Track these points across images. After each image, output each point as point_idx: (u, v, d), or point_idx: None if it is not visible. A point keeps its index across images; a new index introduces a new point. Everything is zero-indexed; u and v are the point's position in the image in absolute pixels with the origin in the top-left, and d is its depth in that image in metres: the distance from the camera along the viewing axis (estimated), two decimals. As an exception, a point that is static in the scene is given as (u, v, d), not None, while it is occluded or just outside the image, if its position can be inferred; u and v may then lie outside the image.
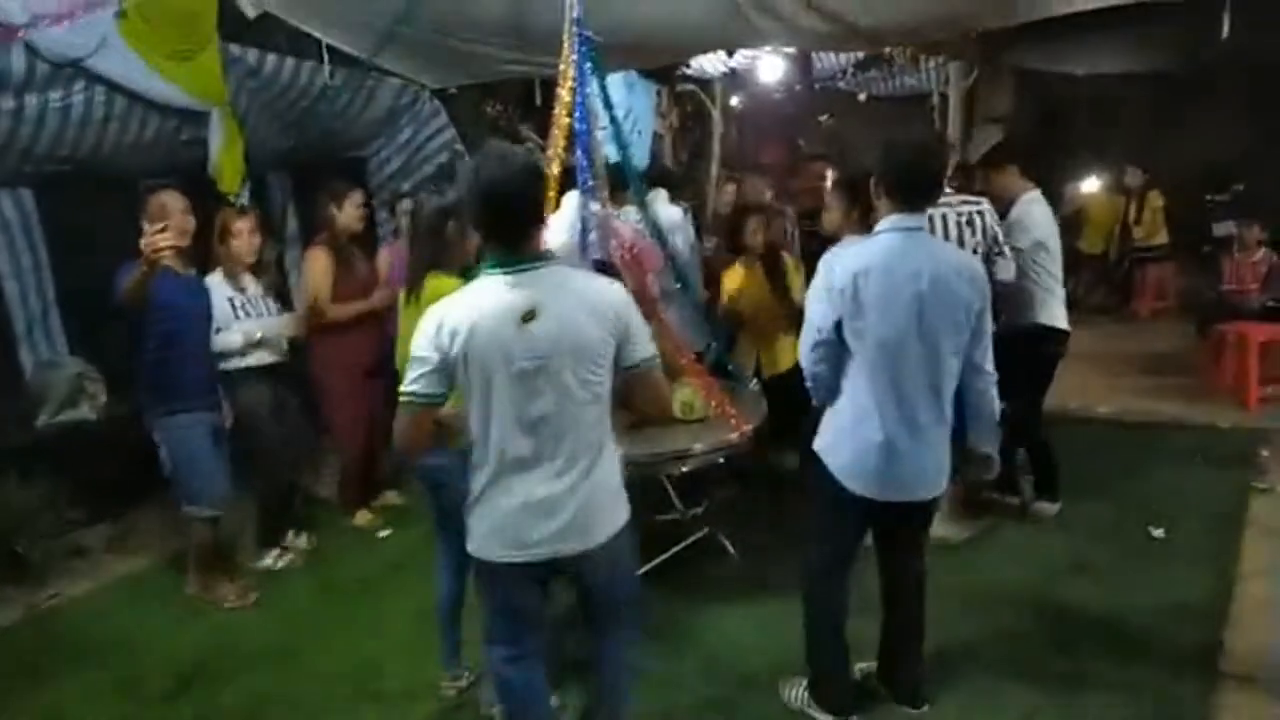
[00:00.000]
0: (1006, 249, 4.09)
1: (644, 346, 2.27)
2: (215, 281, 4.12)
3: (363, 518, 4.88)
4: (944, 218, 4.03)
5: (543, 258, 2.23)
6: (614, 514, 2.32)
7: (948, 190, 4.10)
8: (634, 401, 2.37)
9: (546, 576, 2.33)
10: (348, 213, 4.62)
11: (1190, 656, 3.23)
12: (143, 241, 3.25)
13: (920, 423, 2.66)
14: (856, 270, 2.59)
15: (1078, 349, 5.33)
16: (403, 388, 2.20)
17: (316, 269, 4.52)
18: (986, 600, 3.68)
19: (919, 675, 3.03)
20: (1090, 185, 10.07)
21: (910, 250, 2.61)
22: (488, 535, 2.27)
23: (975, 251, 3.99)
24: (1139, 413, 6.02)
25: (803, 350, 2.76)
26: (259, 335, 4.15)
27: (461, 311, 2.16)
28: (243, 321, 4.13)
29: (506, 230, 2.18)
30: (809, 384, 2.82)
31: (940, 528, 4.00)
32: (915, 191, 2.65)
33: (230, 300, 4.12)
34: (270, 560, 4.39)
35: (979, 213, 4.06)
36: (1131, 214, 9.39)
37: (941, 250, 2.79)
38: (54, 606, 4.12)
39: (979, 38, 5.57)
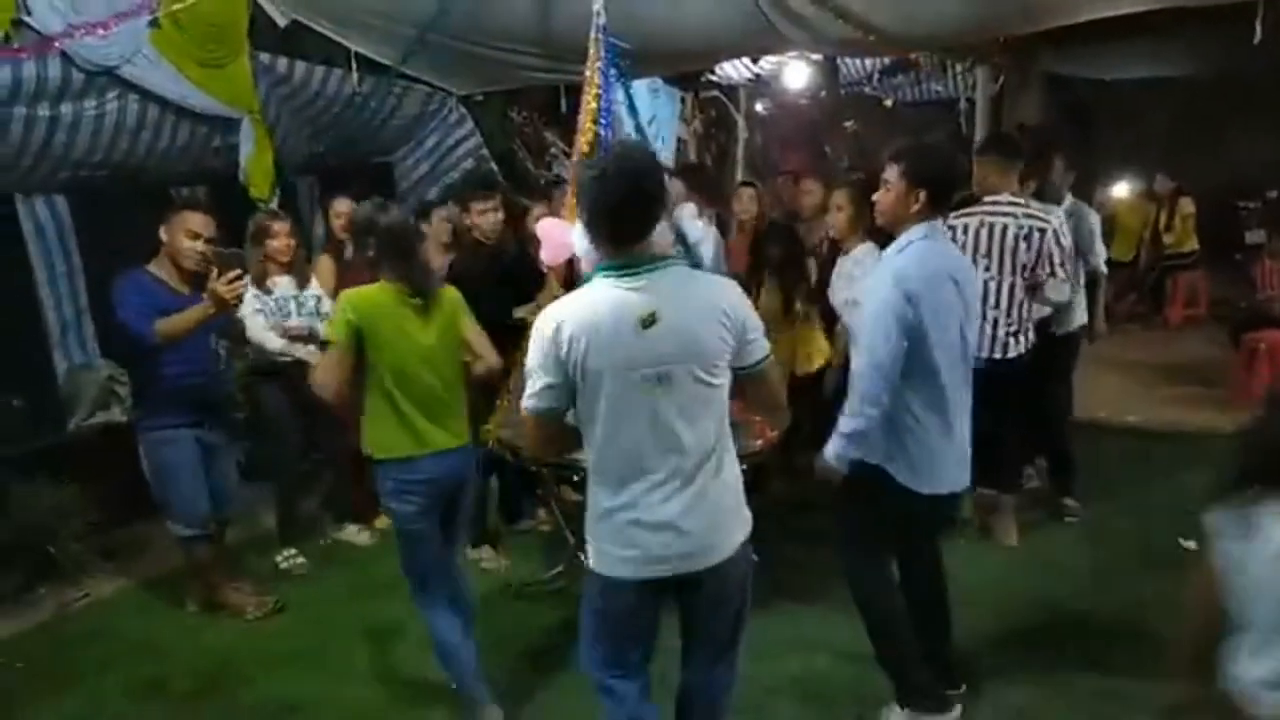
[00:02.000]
0: (1061, 270, 3.92)
1: (760, 346, 2.17)
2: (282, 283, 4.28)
3: (350, 533, 4.77)
4: (1004, 228, 3.89)
5: (658, 259, 2.11)
6: (733, 530, 2.22)
7: (1010, 199, 3.96)
8: (747, 400, 2.36)
9: (664, 594, 2.22)
10: (339, 220, 4.74)
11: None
12: (219, 287, 3.25)
13: (961, 416, 2.78)
14: (925, 276, 2.65)
15: (1107, 357, 5.30)
16: (523, 403, 2.14)
17: (321, 276, 4.58)
18: (1015, 613, 3.65)
19: (950, 658, 3.08)
20: (1119, 191, 9.97)
21: (945, 253, 2.76)
22: (612, 552, 2.16)
23: (1024, 267, 3.88)
24: (1170, 422, 5.93)
25: (875, 374, 2.64)
26: (280, 348, 4.25)
27: (579, 317, 2.05)
28: (271, 320, 4.23)
29: (624, 230, 2.07)
30: (868, 413, 2.67)
31: (1009, 535, 4.30)
32: (950, 199, 2.78)
33: (257, 298, 4.19)
34: (280, 559, 4.44)
35: (1040, 230, 3.86)
36: (1161, 221, 9.29)
37: (957, 251, 2.93)
38: (83, 607, 4.17)
39: (1007, 43, 5.53)
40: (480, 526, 4.30)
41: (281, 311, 4.29)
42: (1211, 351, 7.54)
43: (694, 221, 4.62)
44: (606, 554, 2.17)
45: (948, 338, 2.67)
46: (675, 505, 2.10)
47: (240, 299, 3.39)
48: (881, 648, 2.93)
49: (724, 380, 2.13)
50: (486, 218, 4.26)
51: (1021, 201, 3.98)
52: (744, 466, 3.57)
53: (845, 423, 2.73)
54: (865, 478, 2.78)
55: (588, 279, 2.15)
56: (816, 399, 4.27)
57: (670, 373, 2.04)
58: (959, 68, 8.02)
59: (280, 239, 4.29)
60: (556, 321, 2.05)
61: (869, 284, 2.84)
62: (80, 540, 4.35)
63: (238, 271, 3.33)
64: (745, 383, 2.20)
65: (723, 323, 2.07)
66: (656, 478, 2.09)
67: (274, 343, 4.21)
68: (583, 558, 3.87)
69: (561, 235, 3.75)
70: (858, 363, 2.78)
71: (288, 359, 4.26)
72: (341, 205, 4.77)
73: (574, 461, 3.45)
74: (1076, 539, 4.30)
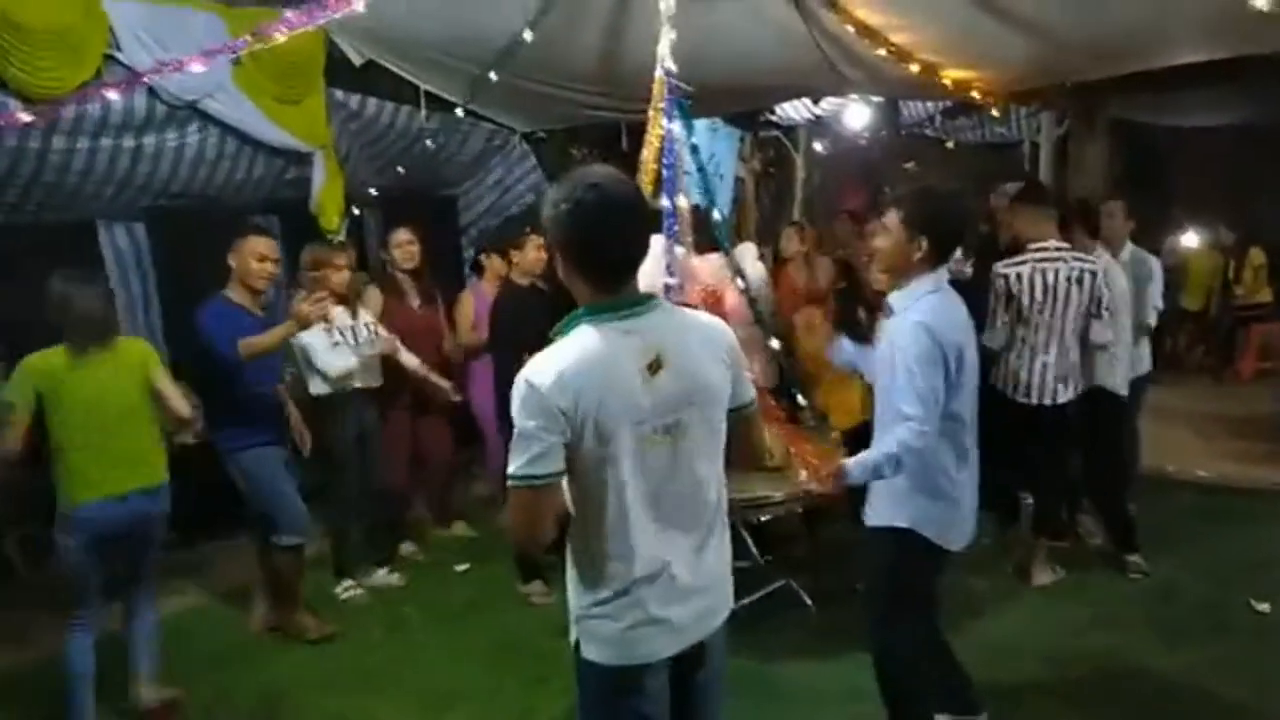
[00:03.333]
0: (1106, 313, 4.04)
1: (749, 385, 2.02)
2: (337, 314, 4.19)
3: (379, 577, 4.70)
4: (1055, 273, 3.95)
5: (645, 297, 1.89)
6: (730, 583, 2.05)
7: (1056, 244, 4.03)
8: (736, 447, 2.02)
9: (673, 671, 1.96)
10: (398, 250, 4.81)
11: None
12: (304, 307, 3.43)
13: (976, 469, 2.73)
14: (958, 328, 2.59)
15: (1176, 409, 5.15)
16: (511, 470, 1.77)
17: (370, 306, 4.67)
18: (1078, 671, 3.54)
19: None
20: (1189, 240, 9.74)
21: (957, 307, 2.66)
22: (624, 634, 1.86)
23: (1077, 311, 3.98)
24: (1242, 478, 5.72)
25: (916, 426, 2.50)
26: (350, 367, 4.26)
27: (580, 368, 1.76)
28: (334, 351, 4.24)
29: (616, 266, 1.84)
30: (904, 459, 2.54)
31: (1039, 575, 4.27)
32: (954, 248, 2.71)
33: (325, 330, 4.18)
34: (340, 590, 4.45)
35: (1091, 273, 3.98)
36: (1230, 271, 9.07)
37: (962, 305, 2.73)
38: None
39: (1075, 88, 5.47)
40: (531, 561, 4.31)
41: (346, 339, 4.32)
42: (1285, 405, 7.28)
43: (756, 263, 4.61)
44: (625, 639, 1.86)
45: (968, 392, 2.63)
46: (695, 562, 1.90)
47: (324, 318, 3.52)
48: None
49: (724, 425, 1.96)
50: (528, 255, 4.46)
51: (1066, 246, 4.05)
52: (800, 509, 3.60)
53: (883, 458, 2.57)
54: (900, 544, 2.69)
55: (569, 326, 1.85)
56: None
57: (681, 420, 1.84)
58: (1023, 110, 7.93)
59: (342, 271, 4.35)
60: (556, 372, 1.75)
61: (884, 347, 2.70)
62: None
63: (324, 293, 3.44)
64: (739, 424, 1.99)
65: (723, 360, 1.92)
66: (677, 536, 1.88)
67: (348, 362, 4.24)
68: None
69: None
70: (904, 409, 2.55)
71: (355, 386, 4.32)
72: (402, 235, 4.84)
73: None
74: (1143, 597, 4.16)
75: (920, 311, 2.57)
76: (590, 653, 1.90)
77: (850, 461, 2.66)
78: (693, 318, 1.99)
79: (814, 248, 5.53)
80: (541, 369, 1.77)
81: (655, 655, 1.89)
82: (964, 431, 2.64)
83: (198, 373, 3.89)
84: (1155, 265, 4.72)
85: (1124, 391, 4.37)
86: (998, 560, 4.39)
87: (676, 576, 1.87)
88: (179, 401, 3.34)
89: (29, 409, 3.05)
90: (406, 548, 4.89)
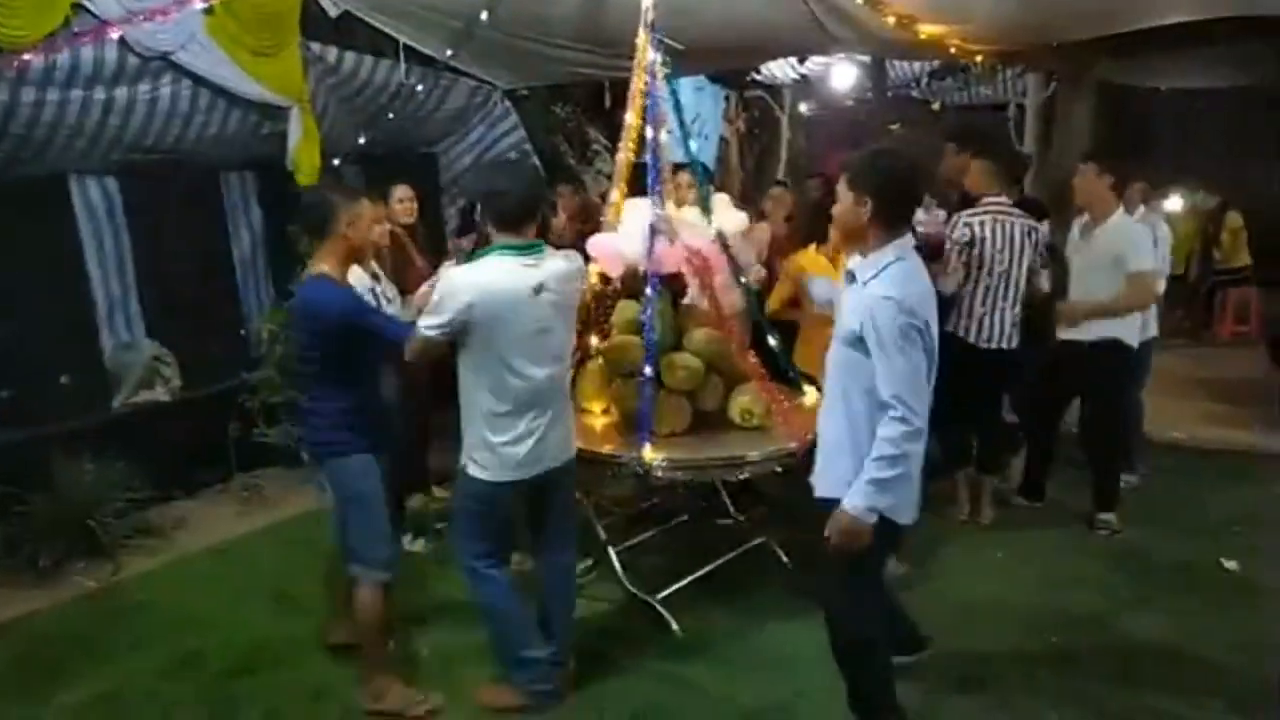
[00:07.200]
0: (1052, 264, 4.39)
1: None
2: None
3: (419, 500, 4.80)
4: (1012, 225, 4.17)
5: (541, 244, 2.86)
6: (573, 442, 3.12)
7: (1005, 199, 4.27)
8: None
9: (532, 490, 3.00)
10: (398, 205, 4.62)
11: (1260, 695, 3.10)
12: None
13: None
14: (925, 300, 2.46)
15: (1152, 371, 5.20)
16: (422, 324, 2.81)
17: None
18: (1048, 629, 3.59)
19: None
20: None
21: (920, 273, 2.52)
22: (498, 463, 2.89)
23: (1029, 262, 4.23)
24: (1214, 440, 5.80)
25: (904, 425, 2.37)
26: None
27: (482, 282, 2.75)
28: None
29: (519, 221, 2.81)
30: (899, 466, 2.40)
31: (988, 511, 4.60)
32: (907, 208, 2.59)
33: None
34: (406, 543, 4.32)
35: (1035, 229, 4.25)
36: (1210, 235, 9.11)
37: (925, 273, 2.63)
38: (120, 582, 4.22)
39: (1062, 48, 5.43)
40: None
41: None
42: (1260, 369, 7.35)
43: (732, 211, 4.46)
44: (491, 465, 2.91)
45: (933, 367, 2.50)
46: (548, 427, 2.93)
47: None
48: (862, 696, 2.77)
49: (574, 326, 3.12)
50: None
51: (1010, 203, 4.28)
52: (779, 469, 3.61)
53: (878, 466, 2.41)
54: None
55: (487, 253, 2.86)
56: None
57: (551, 329, 2.90)
58: (1009, 72, 7.88)
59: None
60: (461, 286, 2.77)
61: (848, 317, 2.52)
62: (120, 516, 4.43)
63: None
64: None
65: (577, 288, 3.07)
66: (536, 408, 2.90)
67: None
68: (612, 554, 3.90)
69: (611, 247, 3.74)
70: (884, 394, 2.40)
71: None
72: (402, 191, 4.65)
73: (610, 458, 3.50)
74: (1115, 556, 4.22)
75: (885, 284, 2.42)
76: (472, 469, 2.96)
77: (846, 504, 2.46)
78: (563, 261, 2.93)
79: (793, 209, 5.45)
80: (464, 272, 2.80)
81: (511, 477, 2.92)
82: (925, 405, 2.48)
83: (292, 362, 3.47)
84: (1162, 231, 4.78)
85: (1134, 344, 4.45)
86: (967, 522, 4.53)
87: (536, 432, 2.89)
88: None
89: None
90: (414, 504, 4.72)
